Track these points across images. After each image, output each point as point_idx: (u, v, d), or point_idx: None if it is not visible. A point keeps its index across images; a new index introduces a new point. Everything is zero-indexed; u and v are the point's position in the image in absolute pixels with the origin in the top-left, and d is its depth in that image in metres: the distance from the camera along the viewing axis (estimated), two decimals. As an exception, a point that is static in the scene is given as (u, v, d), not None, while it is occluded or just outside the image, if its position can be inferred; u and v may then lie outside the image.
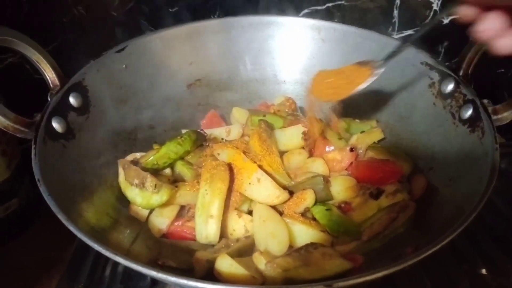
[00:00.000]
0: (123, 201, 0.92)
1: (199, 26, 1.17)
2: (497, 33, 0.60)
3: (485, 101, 0.88)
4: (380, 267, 0.60)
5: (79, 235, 0.65)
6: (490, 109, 0.85)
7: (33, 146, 0.78)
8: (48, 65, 0.92)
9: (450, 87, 0.95)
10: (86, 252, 1.04)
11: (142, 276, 0.96)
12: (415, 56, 1.03)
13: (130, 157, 0.99)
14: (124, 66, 1.06)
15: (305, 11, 1.32)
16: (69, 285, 0.97)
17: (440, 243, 0.64)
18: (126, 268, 0.99)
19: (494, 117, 0.84)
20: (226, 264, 0.73)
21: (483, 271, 0.99)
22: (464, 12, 0.63)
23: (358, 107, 1.14)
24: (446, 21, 1.35)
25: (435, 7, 1.34)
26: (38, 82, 1.18)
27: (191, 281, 0.58)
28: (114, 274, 0.98)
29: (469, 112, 0.89)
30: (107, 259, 1.02)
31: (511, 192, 1.22)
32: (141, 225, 0.90)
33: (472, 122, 0.87)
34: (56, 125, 0.86)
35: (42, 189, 0.71)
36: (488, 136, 0.81)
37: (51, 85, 0.93)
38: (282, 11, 1.29)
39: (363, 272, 0.60)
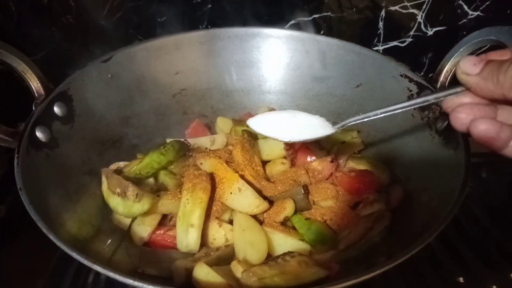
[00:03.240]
0: (106, 210, 0.93)
1: (185, 37, 1.18)
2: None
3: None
4: (353, 275, 0.62)
5: (59, 244, 0.66)
6: (464, 121, 0.87)
7: (15, 156, 0.79)
8: (33, 75, 0.93)
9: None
10: (69, 260, 1.05)
11: (125, 284, 0.97)
12: (395, 69, 1.05)
13: (113, 166, 1.01)
14: (109, 75, 1.08)
15: (292, 22, 1.34)
16: (52, 293, 0.98)
17: (412, 251, 0.65)
18: (108, 277, 1.01)
19: (468, 129, 0.86)
20: (203, 273, 0.74)
21: (461, 279, 1.01)
22: (463, 100, 0.64)
23: (339, 118, 1.16)
24: (430, 33, 1.38)
25: (419, 19, 1.36)
26: (27, 91, 1.20)
27: (167, 290, 0.59)
28: (97, 282, 0.99)
29: (445, 124, 0.90)
30: (90, 268, 1.03)
31: (490, 201, 1.25)
32: (124, 234, 0.91)
33: (447, 134, 0.89)
34: (40, 134, 0.87)
35: (24, 198, 0.72)
36: (461, 147, 0.83)
37: (36, 94, 0.94)
38: (269, 22, 1.31)
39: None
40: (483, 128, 0.59)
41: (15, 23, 1.22)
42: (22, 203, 1.24)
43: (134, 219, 0.92)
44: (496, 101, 0.62)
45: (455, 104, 0.66)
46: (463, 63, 0.61)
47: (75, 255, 0.64)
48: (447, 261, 1.05)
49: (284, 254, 0.77)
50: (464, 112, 0.63)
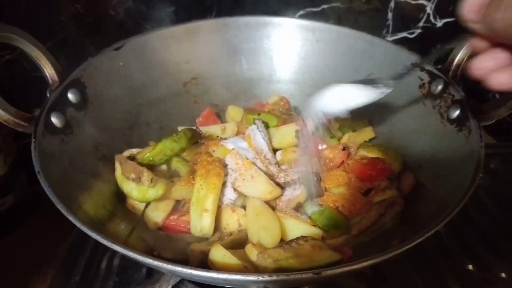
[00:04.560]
0: (120, 195, 0.94)
1: (196, 26, 1.19)
2: (493, 70, 0.61)
3: (472, 101, 0.90)
4: (368, 257, 0.63)
5: (79, 225, 0.67)
6: (476, 109, 0.88)
7: (32, 140, 0.80)
8: (47, 62, 0.93)
9: (439, 88, 0.97)
10: (82, 246, 1.07)
11: (138, 268, 0.99)
12: (407, 58, 1.05)
13: (126, 153, 1.01)
14: (121, 63, 1.08)
15: (301, 12, 1.34)
16: (65, 278, 0.99)
17: (424, 235, 0.66)
18: (122, 261, 1.02)
19: (480, 117, 0.86)
20: (219, 254, 0.75)
21: (470, 266, 1.02)
22: (476, 44, 0.65)
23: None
24: (439, 24, 1.38)
25: (428, 10, 1.37)
26: (36, 80, 1.20)
27: (186, 269, 0.60)
28: (110, 267, 1.01)
29: (457, 112, 0.91)
30: (103, 252, 1.05)
31: (499, 191, 1.25)
32: (137, 219, 0.92)
33: (460, 122, 0.90)
34: (55, 120, 0.88)
35: (42, 181, 0.73)
36: (474, 135, 0.84)
37: (50, 81, 0.94)
38: (278, 12, 1.32)
39: (351, 263, 0.62)
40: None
41: (23, 12, 1.22)
42: (29, 192, 1.26)
43: (147, 204, 0.93)
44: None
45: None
46: (464, 10, 0.61)
47: (95, 235, 0.65)
48: (456, 249, 1.06)
49: (298, 238, 0.78)
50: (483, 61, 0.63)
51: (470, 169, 0.79)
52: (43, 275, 1.05)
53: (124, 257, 1.02)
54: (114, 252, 1.04)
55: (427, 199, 0.89)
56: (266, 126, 1.07)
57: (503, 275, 1.00)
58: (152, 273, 0.96)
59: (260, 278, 0.60)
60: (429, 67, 1.00)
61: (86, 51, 1.16)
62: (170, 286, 0.91)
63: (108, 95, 1.05)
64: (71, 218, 0.68)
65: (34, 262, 1.08)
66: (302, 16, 1.34)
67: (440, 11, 1.35)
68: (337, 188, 0.93)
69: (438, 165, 0.92)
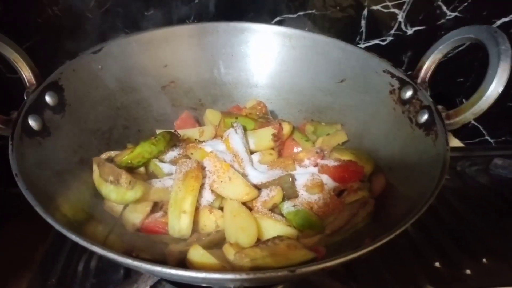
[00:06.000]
0: (98, 197, 0.95)
1: (174, 30, 1.20)
2: None
3: (440, 107, 0.94)
4: (339, 256, 0.66)
5: (57, 226, 0.67)
6: (443, 114, 0.92)
7: (10, 142, 0.80)
8: (25, 64, 0.93)
9: (409, 93, 1.01)
10: (59, 248, 1.06)
11: (115, 269, 0.99)
12: (378, 64, 1.09)
13: (104, 155, 1.02)
14: (100, 66, 1.09)
15: (278, 18, 1.37)
16: (41, 281, 0.99)
17: (393, 233, 0.69)
18: (99, 263, 1.02)
19: (446, 122, 0.90)
20: (198, 254, 0.77)
21: (438, 264, 1.07)
22: None
23: (324, 111, 1.21)
24: (410, 32, 1.44)
25: (399, 18, 1.41)
26: (11, 82, 1.19)
27: (165, 268, 0.62)
28: (87, 269, 1.01)
29: (425, 117, 0.95)
30: (80, 255, 1.05)
31: (465, 192, 1.32)
32: (115, 220, 0.93)
33: (427, 126, 0.94)
34: (32, 122, 0.88)
35: (20, 183, 0.73)
36: (441, 138, 0.88)
37: (27, 83, 0.94)
38: (254, 19, 1.34)
39: (325, 261, 0.65)
40: None
41: (0, 13, 1.21)
42: (5, 195, 1.25)
43: (126, 206, 0.93)
44: None
45: None
46: None
47: (74, 237, 0.66)
48: (426, 248, 1.11)
49: (274, 238, 0.81)
50: None
51: (437, 171, 0.83)
52: (20, 278, 1.04)
53: (101, 259, 1.03)
54: (91, 255, 1.05)
55: (398, 200, 0.93)
56: (244, 129, 1.09)
57: (468, 271, 1.05)
58: (130, 274, 0.97)
59: (238, 276, 0.62)
60: (399, 74, 1.04)
61: (63, 54, 1.15)
62: (148, 287, 0.93)
63: (86, 98, 1.05)
64: (49, 220, 0.69)
65: (11, 265, 1.08)
66: (278, 22, 1.36)
67: (411, 20, 1.40)
68: (312, 189, 0.96)
69: (407, 168, 0.96)
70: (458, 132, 1.65)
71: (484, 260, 1.08)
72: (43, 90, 0.94)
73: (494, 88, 0.83)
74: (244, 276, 0.62)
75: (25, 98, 0.92)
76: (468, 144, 1.66)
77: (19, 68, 0.94)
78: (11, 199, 1.26)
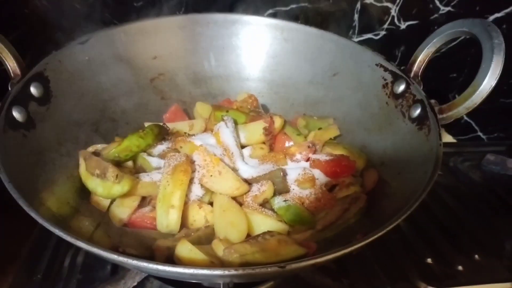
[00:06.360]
0: (84, 191, 0.93)
1: (164, 21, 1.18)
2: None
3: (433, 101, 0.93)
4: (330, 251, 0.64)
5: (41, 221, 0.65)
6: (436, 109, 0.91)
7: (-8, 135, 0.78)
8: (9, 54, 0.91)
9: (402, 87, 1.00)
10: (44, 243, 1.04)
11: (102, 265, 0.97)
12: (371, 58, 1.08)
13: (91, 149, 1.00)
14: (87, 58, 1.07)
15: (270, 11, 1.35)
16: (26, 277, 0.97)
17: (385, 229, 0.68)
18: (86, 259, 1.00)
19: (439, 116, 0.90)
20: (186, 250, 0.75)
21: (430, 260, 1.06)
22: None
23: (316, 105, 1.19)
24: (403, 26, 1.43)
25: (393, 12, 1.41)
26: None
27: (152, 264, 0.60)
28: (73, 265, 0.99)
29: (417, 111, 0.94)
30: (66, 250, 1.03)
31: (458, 188, 1.31)
32: (102, 215, 0.91)
33: (420, 121, 0.93)
34: (16, 114, 0.86)
35: (3, 177, 0.71)
36: (434, 133, 0.87)
37: (11, 74, 0.92)
38: (246, 11, 1.32)
39: (316, 257, 0.64)
40: None
41: (-14, 4, 1.18)
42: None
43: (112, 200, 0.91)
44: None
45: None
46: None
47: (57, 231, 0.64)
48: (418, 244, 1.10)
49: (264, 233, 0.79)
50: None
51: (430, 166, 0.82)
52: (6, 274, 1.02)
53: (88, 255, 1.01)
54: (78, 250, 1.02)
55: (390, 195, 0.92)
56: (235, 123, 1.07)
57: (460, 268, 1.04)
58: (117, 270, 0.95)
59: (226, 272, 0.60)
60: (392, 68, 1.03)
61: (50, 45, 1.12)
62: (136, 283, 0.91)
63: (72, 89, 1.03)
64: (33, 214, 0.67)
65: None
66: (271, 15, 1.35)
67: (404, 14, 1.40)
68: (303, 184, 0.95)
69: (399, 163, 0.95)
70: (451, 128, 1.65)
71: (476, 256, 1.08)
72: (28, 81, 0.91)
73: (487, 82, 0.83)
74: (233, 272, 0.60)
75: (10, 89, 0.89)
76: (460, 140, 1.66)
77: (3, 58, 0.91)
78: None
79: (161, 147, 1.02)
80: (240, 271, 0.60)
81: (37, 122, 0.91)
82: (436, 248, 1.09)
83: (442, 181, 1.31)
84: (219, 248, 0.76)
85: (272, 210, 0.92)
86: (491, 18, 1.40)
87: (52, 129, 0.95)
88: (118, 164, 0.97)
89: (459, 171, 1.38)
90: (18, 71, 0.92)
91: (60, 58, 1.00)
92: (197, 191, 0.92)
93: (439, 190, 1.28)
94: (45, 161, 0.89)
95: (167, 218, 0.84)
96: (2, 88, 0.89)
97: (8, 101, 0.85)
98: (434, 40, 0.96)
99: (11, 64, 0.92)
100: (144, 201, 0.94)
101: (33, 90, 0.92)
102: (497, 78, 0.82)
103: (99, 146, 1.00)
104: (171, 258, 0.78)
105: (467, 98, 0.85)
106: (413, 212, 0.73)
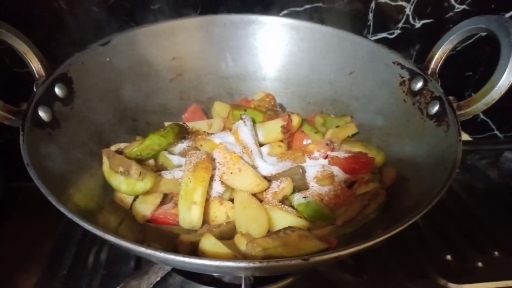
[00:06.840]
0: (107, 189, 0.95)
1: (182, 23, 1.20)
2: None
3: (451, 97, 0.94)
4: (352, 245, 0.65)
5: (70, 215, 0.67)
6: (455, 105, 0.91)
7: (21, 133, 0.80)
8: (34, 56, 0.93)
9: (419, 85, 1.00)
10: (68, 240, 1.07)
11: (126, 261, 1.00)
12: (387, 56, 1.09)
13: (113, 147, 1.02)
14: (108, 59, 1.09)
15: (285, 11, 1.36)
16: (52, 273, 0.99)
17: (405, 224, 0.69)
18: (109, 255, 1.02)
19: (458, 113, 0.90)
20: (210, 244, 0.77)
21: (448, 257, 1.06)
22: None
23: (333, 104, 1.20)
24: (418, 25, 1.43)
25: (407, 11, 1.41)
26: (17, 76, 1.19)
27: (179, 257, 0.61)
28: (97, 261, 1.01)
29: (436, 108, 0.94)
30: (90, 247, 1.05)
31: (475, 186, 1.31)
32: (125, 212, 0.93)
33: (439, 117, 0.93)
34: (42, 114, 0.88)
35: (32, 173, 0.73)
36: (453, 129, 0.88)
37: (36, 75, 0.94)
38: (261, 11, 1.34)
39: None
40: None
41: (5, 7, 1.21)
42: (11, 188, 1.25)
43: (136, 197, 0.93)
44: None
45: None
46: None
47: (87, 226, 0.66)
48: (435, 240, 1.10)
49: (285, 228, 0.80)
50: None
51: (449, 163, 0.82)
52: (26, 271, 1.05)
53: (111, 251, 1.03)
54: (101, 247, 1.05)
55: (409, 192, 0.92)
56: (253, 121, 1.09)
57: (479, 264, 1.04)
58: (140, 265, 0.97)
59: (251, 265, 0.62)
60: (409, 65, 1.04)
61: (69, 47, 1.15)
62: (159, 278, 0.93)
63: (94, 90, 1.05)
64: (62, 209, 0.69)
65: (16, 259, 1.08)
66: (285, 16, 1.36)
67: (418, 13, 1.39)
68: (322, 181, 0.96)
69: (418, 159, 0.95)
70: (467, 127, 1.65)
71: (496, 253, 1.07)
72: (52, 82, 0.94)
73: (506, 78, 0.83)
74: (257, 264, 0.62)
75: (35, 89, 0.91)
76: (477, 139, 1.66)
77: (28, 60, 0.93)
78: (14, 195, 1.26)
79: (181, 146, 1.04)
80: (265, 264, 0.62)
81: (61, 122, 0.93)
82: (454, 245, 1.09)
83: (459, 179, 1.31)
84: (241, 243, 0.78)
85: (292, 207, 0.93)
86: (507, 15, 1.40)
87: (76, 129, 0.97)
88: (140, 162, 0.99)
89: (476, 169, 1.37)
90: (42, 72, 0.94)
91: (82, 60, 1.03)
92: (217, 188, 0.93)
93: (457, 188, 1.28)
94: (69, 159, 0.91)
95: (189, 214, 0.86)
96: (26, 92, 0.92)
97: (34, 101, 0.87)
98: (451, 37, 0.96)
99: (36, 65, 0.94)
100: (166, 198, 0.96)
101: (57, 90, 0.94)
102: (516, 74, 0.82)
103: (121, 145, 1.02)
104: (194, 253, 0.79)
105: (486, 94, 0.86)
106: (430, 209, 0.73)
